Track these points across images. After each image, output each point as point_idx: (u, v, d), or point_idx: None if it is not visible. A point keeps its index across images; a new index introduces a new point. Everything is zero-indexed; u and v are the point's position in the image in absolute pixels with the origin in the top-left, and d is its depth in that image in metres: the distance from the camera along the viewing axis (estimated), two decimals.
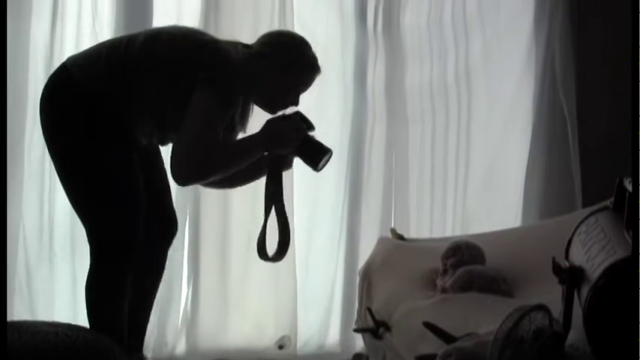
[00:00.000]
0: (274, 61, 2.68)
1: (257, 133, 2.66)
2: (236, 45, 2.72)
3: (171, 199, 2.98)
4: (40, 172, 3.51)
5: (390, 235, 3.56)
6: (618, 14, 3.95)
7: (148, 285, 2.95)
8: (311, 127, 2.70)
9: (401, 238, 3.50)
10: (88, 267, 2.74)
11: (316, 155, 2.68)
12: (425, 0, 3.90)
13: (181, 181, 2.61)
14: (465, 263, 2.95)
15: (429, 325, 2.36)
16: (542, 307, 2.00)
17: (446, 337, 2.29)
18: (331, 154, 2.70)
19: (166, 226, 2.95)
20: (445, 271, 3.00)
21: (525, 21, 3.95)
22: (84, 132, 2.65)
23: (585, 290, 1.97)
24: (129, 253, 2.70)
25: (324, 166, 2.71)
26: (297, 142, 2.65)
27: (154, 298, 3.00)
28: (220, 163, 2.61)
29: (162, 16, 3.60)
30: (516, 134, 3.99)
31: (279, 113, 2.75)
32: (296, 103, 2.77)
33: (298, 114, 2.71)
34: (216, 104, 2.55)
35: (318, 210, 3.87)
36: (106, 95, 2.63)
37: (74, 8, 3.49)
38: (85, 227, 2.73)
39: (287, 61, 2.69)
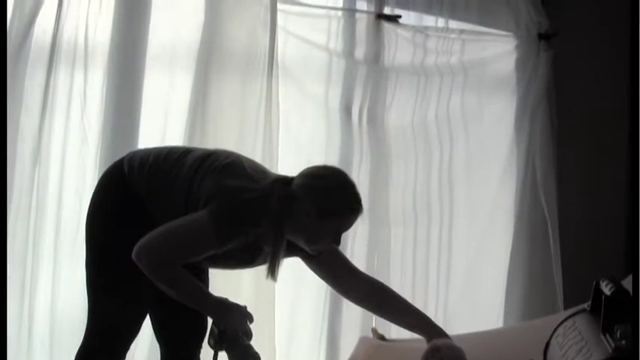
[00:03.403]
0: (312, 206, 2.54)
1: (211, 297, 2.61)
2: (274, 182, 2.61)
3: None
4: (22, 263, 3.49)
5: (371, 334, 3.54)
6: (596, 116, 4.06)
7: None
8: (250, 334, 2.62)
9: (382, 338, 3.47)
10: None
11: (247, 358, 2.58)
12: (410, 100, 3.99)
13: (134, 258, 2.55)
14: None
15: None
16: None
17: None
18: None
19: (195, 325, 2.91)
20: None
21: (507, 123, 4.04)
22: (117, 219, 2.69)
23: None
24: (118, 342, 2.72)
25: None
26: (238, 330, 2.57)
27: None
28: (161, 282, 2.54)
29: (150, 113, 3.65)
30: (498, 235, 4.02)
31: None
32: (338, 243, 2.68)
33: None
34: (206, 234, 2.50)
35: (299, 309, 3.85)
36: (142, 194, 2.67)
37: (64, 101, 3.53)
38: (88, 308, 2.75)
39: (326, 209, 2.55)
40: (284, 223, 2.56)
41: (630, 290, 2.06)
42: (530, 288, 3.94)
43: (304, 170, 2.65)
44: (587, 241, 3.98)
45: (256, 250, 2.67)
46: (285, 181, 2.63)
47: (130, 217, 2.67)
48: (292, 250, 2.72)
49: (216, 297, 2.62)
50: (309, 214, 2.56)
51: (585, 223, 4.02)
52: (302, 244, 2.66)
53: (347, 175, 2.70)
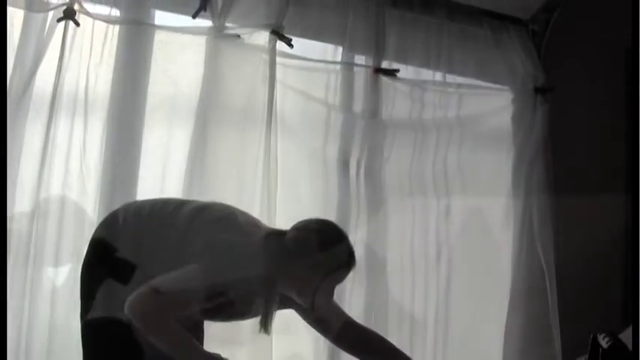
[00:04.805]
0: (305, 259, 2.58)
1: (203, 353, 2.57)
2: (267, 236, 2.62)
3: None
4: (19, 314, 3.47)
5: None
6: (593, 169, 4.08)
7: None
8: None
9: None
10: None
11: None
12: (407, 154, 3.99)
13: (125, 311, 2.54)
14: None
15: None
16: None
17: None
18: None
19: None
20: None
21: (504, 177, 4.05)
22: (110, 270, 2.66)
23: None
24: None
25: None
26: None
27: None
28: (152, 335, 2.51)
29: (149, 165, 3.66)
30: (495, 288, 4.01)
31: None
32: (331, 295, 2.70)
33: None
34: (197, 288, 2.50)
35: None
36: (136, 245, 2.66)
37: (63, 151, 3.53)
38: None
39: (319, 262, 2.58)
40: (276, 277, 2.56)
41: (627, 342, 2.05)
42: (528, 340, 3.91)
43: (297, 223, 2.67)
44: (585, 292, 3.97)
45: (249, 303, 2.66)
46: (279, 234, 2.63)
47: (124, 267, 2.66)
48: (286, 303, 2.71)
49: (208, 353, 2.59)
50: (302, 268, 2.55)
51: (583, 275, 4.02)
52: (295, 297, 2.65)
53: (340, 228, 2.71)
